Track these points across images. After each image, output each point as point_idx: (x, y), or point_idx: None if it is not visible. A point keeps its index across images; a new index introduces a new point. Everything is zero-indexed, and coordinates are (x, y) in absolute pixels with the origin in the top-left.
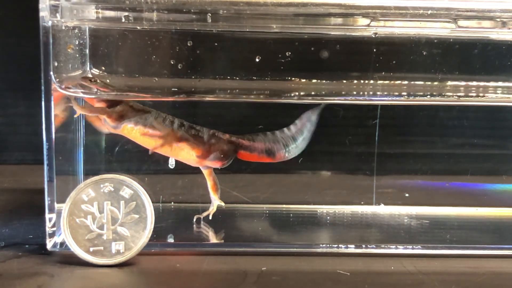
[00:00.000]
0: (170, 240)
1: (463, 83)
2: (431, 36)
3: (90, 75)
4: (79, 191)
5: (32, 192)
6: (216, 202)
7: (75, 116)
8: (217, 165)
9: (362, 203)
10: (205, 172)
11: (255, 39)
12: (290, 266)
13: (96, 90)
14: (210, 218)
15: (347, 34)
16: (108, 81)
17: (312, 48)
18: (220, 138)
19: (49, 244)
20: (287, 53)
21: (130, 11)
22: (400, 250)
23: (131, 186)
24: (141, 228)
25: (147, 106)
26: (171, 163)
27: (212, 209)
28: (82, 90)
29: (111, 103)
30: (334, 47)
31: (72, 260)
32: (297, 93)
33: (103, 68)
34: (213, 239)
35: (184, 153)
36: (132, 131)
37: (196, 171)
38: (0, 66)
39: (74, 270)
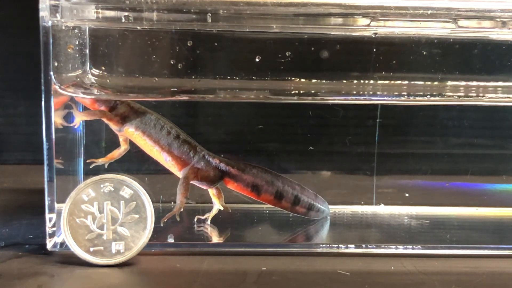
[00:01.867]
0: (170, 240)
1: (463, 83)
2: (431, 36)
3: (90, 75)
4: (79, 191)
5: (32, 192)
6: (216, 206)
7: (74, 125)
8: (203, 187)
9: (362, 203)
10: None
11: (255, 39)
12: (290, 266)
13: (96, 90)
14: (209, 221)
15: (347, 34)
16: (108, 81)
17: (312, 48)
18: (208, 163)
19: (49, 244)
20: (287, 53)
21: (130, 11)
22: (400, 250)
23: (131, 186)
24: (141, 228)
25: (146, 107)
26: None
27: (212, 213)
28: (82, 90)
29: (112, 106)
30: (334, 47)
31: (72, 260)
32: (297, 93)
33: (103, 68)
34: (213, 239)
35: (174, 170)
36: (133, 134)
37: None
38: (0, 66)
39: (74, 270)
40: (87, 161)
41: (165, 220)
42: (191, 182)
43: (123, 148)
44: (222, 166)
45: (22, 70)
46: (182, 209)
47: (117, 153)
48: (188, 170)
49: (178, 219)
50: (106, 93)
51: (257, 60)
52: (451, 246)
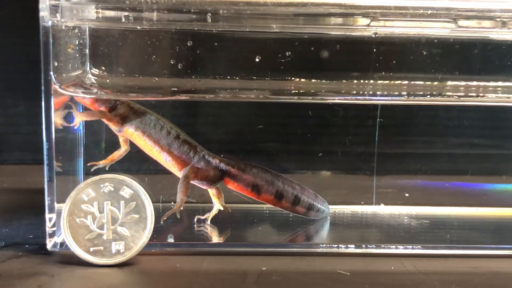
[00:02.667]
0: (170, 240)
1: (463, 83)
2: (431, 36)
3: (90, 75)
4: (79, 191)
5: (32, 192)
6: (216, 206)
7: (73, 125)
8: (203, 187)
9: (362, 203)
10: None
11: (255, 39)
12: (290, 266)
13: (96, 90)
14: (209, 221)
15: (347, 34)
16: (108, 81)
17: (312, 48)
18: (209, 163)
19: (49, 244)
20: (287, 53)
21: (130, 11)
22: (400, 250)
23: (131, 186)
24: (141, 228)
25: (146, 107)
26: None
27: (212, 213)
28: (82, 90)
29: (112, 107)
30: (334, 47)
31: (72, 260)
32: (297, 93)
33: (103, 68)
34: (213, 239)
35: (174, 170)
36: (133, 135)
37: None
38: (0, 66)
39: (74, 270)
40: (88, 164)
41: (165, 218)
42: (191, 182)
43: (123, 149)
44: (222, 166)
45: (22, 70)
46: (182, 208)
47: (117, 155)
48: (189, 170)
49: (179, 217)
50: (106, 92)
51: (257, 60)
52: (451, 246)
